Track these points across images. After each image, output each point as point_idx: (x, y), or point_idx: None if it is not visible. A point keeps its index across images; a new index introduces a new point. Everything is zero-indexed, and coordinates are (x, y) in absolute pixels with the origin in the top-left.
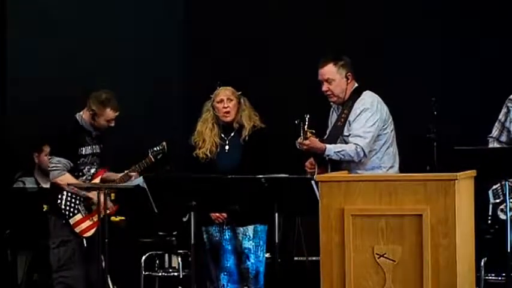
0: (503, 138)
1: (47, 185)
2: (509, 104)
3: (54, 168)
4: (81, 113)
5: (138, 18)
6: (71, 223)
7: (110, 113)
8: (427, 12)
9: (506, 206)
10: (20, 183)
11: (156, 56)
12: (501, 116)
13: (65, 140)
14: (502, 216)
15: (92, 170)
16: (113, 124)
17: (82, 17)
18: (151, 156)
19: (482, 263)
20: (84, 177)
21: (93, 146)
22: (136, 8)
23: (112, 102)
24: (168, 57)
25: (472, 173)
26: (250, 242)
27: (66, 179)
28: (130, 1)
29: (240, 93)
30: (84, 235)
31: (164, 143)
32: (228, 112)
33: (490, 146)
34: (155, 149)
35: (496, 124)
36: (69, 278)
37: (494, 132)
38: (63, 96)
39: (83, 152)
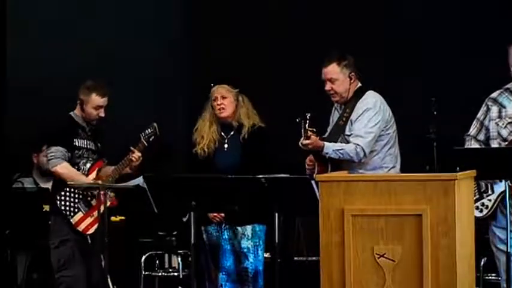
0: (481, 136)
1: (45, 185)
2: (489, 103)
3: (53, 156)
4: (75, 110)
5: (138, 18)
6: (73, 222)
7: (96, 99)
8: (427, 12)
9: (506, 206)
10: (19, 184)
11: (156, 56)
12: (480, 115)
13: (60, 130)
14: (477, 214)
15: (88, 165)
16: (102, 114)
17: (82, 17)
18: (143, 140)
19: (482, 263)
20: (80, 172)
21: (87, 141)
22: (136, 8)
23: (98, 88)
24: (168, 57)
25: (472, 173)
26: (249, 241)
27: (65, 167)
28: (130, 1)
29: (237, 90)
30: (87, 233)
31: (155, 124)
32: (222, 108)
33: (467, 144)
34: (146, 131)
35: (474, 122)
36: (70, 277)
37: (472, 130)
38: (63, 96)
39: (77, 144)
